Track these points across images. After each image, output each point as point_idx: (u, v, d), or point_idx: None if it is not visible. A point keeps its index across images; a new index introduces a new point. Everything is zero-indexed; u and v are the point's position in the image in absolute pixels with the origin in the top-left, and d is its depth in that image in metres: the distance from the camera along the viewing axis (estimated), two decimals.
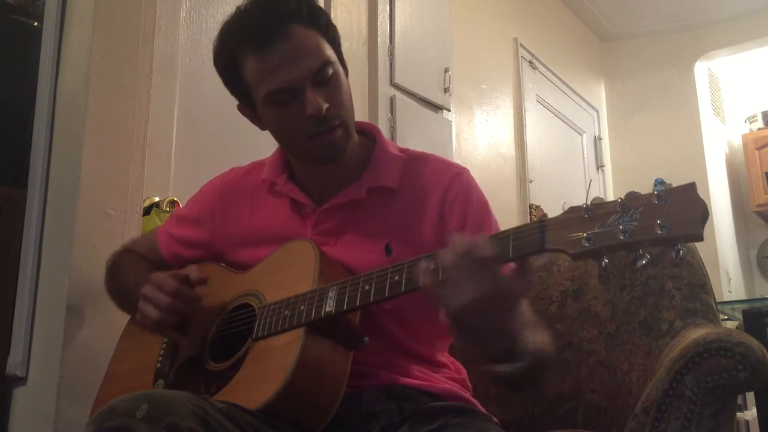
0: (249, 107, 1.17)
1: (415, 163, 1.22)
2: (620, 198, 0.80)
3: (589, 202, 0.83)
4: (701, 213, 0.75)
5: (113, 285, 1.36)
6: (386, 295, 0.97)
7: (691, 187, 0.77)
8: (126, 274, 1.32)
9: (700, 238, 0.75)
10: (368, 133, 1.25)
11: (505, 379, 0.95)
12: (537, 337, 0.99)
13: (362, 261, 1.11)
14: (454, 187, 1.17)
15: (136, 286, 1.25)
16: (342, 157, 1.14)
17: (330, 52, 1.12)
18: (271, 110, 1.12)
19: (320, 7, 1.15)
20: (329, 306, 1.01)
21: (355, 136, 1.17)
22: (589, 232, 0.80)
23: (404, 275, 0.95)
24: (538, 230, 0.85)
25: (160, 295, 1.14)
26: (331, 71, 1.10)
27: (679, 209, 0.76)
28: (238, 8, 1.12)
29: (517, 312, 0.90)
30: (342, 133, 1.12)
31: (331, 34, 1.14)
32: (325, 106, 1.08)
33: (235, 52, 1.11)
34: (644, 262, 0.78)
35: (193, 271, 1.17)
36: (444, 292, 0.85)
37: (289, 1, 1.09)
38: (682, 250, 0.77)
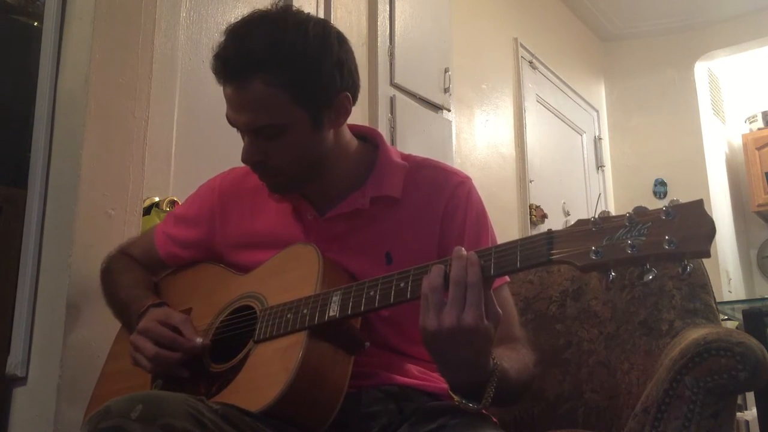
0: None
1: (418, 170, 1.21)
2: (629, 212, 0.82)
3: (596, 216, 0.84)
4: (709, 230, 0.76)
5: (106, 292, 1.36)
6: (391, 301, 0.97)
7: (698, 204, 0.79)
8: (118, 284, 1.32)
9: (708, 255, 0.77)
10: (370, 138, 1.24)
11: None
12: (515, 366, 1.01)
13: (363, 269, 1.11)
14: (455, 197, 1.17)
15: (128, 303, 1.25)
16: (284, 194, 1.18)
17: (284, 114, 1.07)
18: None
19: (302, 58, 1.05)
20: (333, 310, 1.01)
21: (313, 175, 1.16)
22: (596, 246, 0.81)
23: (410, 282, 0.95)
24: (546, 242, 0.86)
25: (150, 348, 1.13)
26: (274, 132, 1.08)
27: (687, 225, 0.77)
28: (228, 26, 1.10)
29: (489, 352, 0.92)
30: (281, 181, 1.15)
31: (300, 87, 1.06)
32: (256, 158, 1.10)
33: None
34: (651, 277, 0.79)
35: (184, 323, 1.16)
36: (426, 314, 0.89)
37: (255, 50, 1.04)
38: (690, 265, 0.78)
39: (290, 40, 1.06)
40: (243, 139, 1.12)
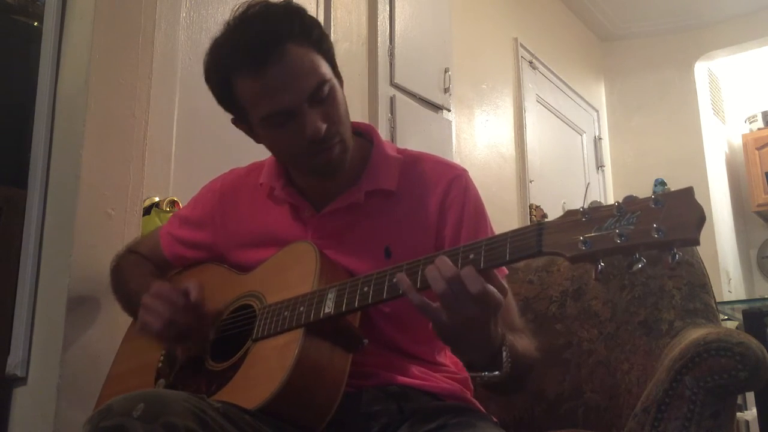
0: (245, 124, 1.16)
1: (414, 164, 1.22)
2: (617, 202, 0.81)
3: (586, 206, 0.83)
4: (698, 217, 0.76)
5: (117, 288, 1.36)
6: (384, 296, 0.97)
7: (688, 192, 0.78)
8: (129, 278, 1.33)
9: (697, 243, 0.76)
10: (365, 134, 1.24)
11: (490, 385, 0.99)
12: (520, 342, 1.03)
13: (362, 264, 1.11)
14: (452, 190, 1.17)
15: (138, 291, 1.25)
16: (342, 170, 1.14)
17: (325, 69, 1.10)
18: (267, 131, 1.12)
19: (312, 19, 1.13)
20: (328, 307, 1.01)
21: (352, 142, 1.16)
22: (585, 236, 0.81)
23: None
24: (536, 233, 0.86)
25: (161, 306, 1.13)
26: (327, 89, 1.09)
27: (675, 213, 0.77)
28: (228, 25, 1.10)
29: (496, 321, 0.94)
30: (340, 149, 1.12)
31: (325, 46, 1.12)
32: (324, 126, 1.07)
33: (228, 74, 1.09)
34: (640, 266, 0.79)
35: (193, 286, 1.16)
36: (435, 313, 0.90)
37: (281, 19, 1.07)
38: (679, 254, 0.77)
39: (298, 10, 1.11)
40: (300, 119, 1.07)
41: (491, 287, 0.89)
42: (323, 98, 1.08)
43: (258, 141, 1.18)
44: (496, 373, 0.95)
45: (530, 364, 1.07)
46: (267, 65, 1.05)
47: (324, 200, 1.18)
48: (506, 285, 0.94)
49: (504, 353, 0.95)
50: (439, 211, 1.16)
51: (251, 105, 1.10)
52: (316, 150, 1.09)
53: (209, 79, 1.14)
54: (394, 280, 0.95)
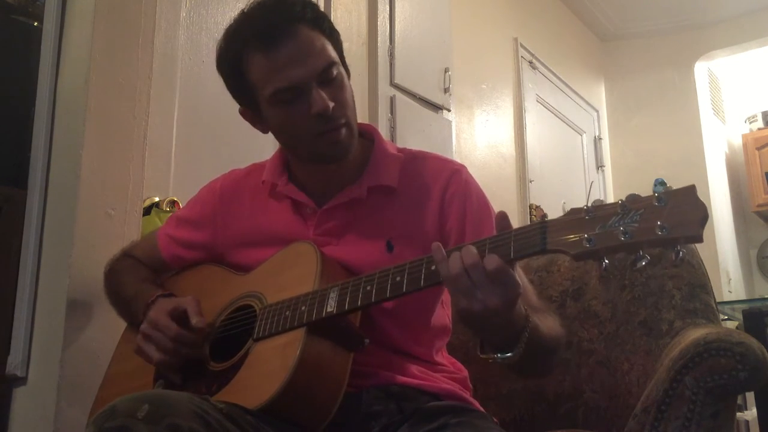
0: (252, 109, 1.17)
1: (414, 161, 1.23)
2: (621, 200, 0.82)
3: (590, 204, 0.84)
4: (701, 215, 0.76)
5: (111, 292, 1.36)
6: (387, 295, 0.97)
7: (691, 190, 0.78)
8: (123, 282, 1.32)
9: (700, 240, 0.77)
10: (367, 134, 1.25)
11: (513, 366, 0.97)
12: (544, 322, 1.02)
13: (364, 259, 1.12)
14: (452, 185, 1.18)
15: (133, 297, 1.26)
16: (347, 155, 1.15)
17: (334, 54, 1.14)
18: (276, 110, 1.13)
19: (323, 12, 1.17)
20: (330, 306, 1.01)
21: (357, 136, 1.18)
22: (589, 233, 0.82)
23: (406, 276, 0.96)
24: (540, 231, 0.87)
25: (161, 337, 1.13)
26: (335, 72, 1.12)
27: (679, 211, 0.77)
28: (243, 11, 1.14)
29: (518, 303, 0.93)
30: (347, 132, 1.13)
31: (334, 37, 1.16)
32: (331, 104, 1.09)
33: (241, 52, 1.12)
34: (644, 263, 0.80)
35: (192, 310, 1.16)
36: (460, 297, 0.89)
37: (294, 4, 1.11)
38: (682, 251, 0.78)
39: (310, 0, 1.15)
40: (308, 96, 1.09)
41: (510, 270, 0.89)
42: (332, 79, 1.12)
43: (264, 130, 1.20)
44: (509, 355, 0.94)
45: (556, 344, 1.06)
46: (279, 42, 1.09)
47: (325, 196, 1.19)
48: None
49: (525, 335, 0.94)
50: (440, 206, 1.17)
51: (261, 83, 1.12)
52: (323, 129, 1.11)
53: (221, 62, 1.17)
54: (433, 246, 0.93)
